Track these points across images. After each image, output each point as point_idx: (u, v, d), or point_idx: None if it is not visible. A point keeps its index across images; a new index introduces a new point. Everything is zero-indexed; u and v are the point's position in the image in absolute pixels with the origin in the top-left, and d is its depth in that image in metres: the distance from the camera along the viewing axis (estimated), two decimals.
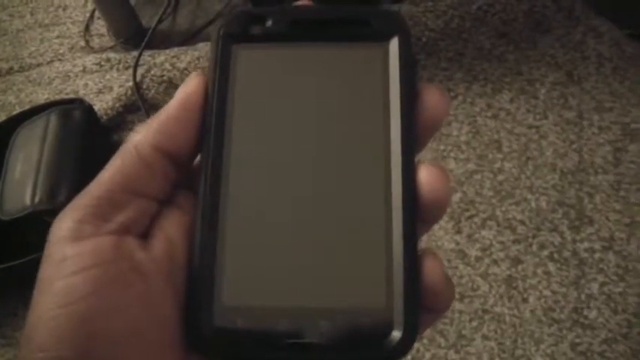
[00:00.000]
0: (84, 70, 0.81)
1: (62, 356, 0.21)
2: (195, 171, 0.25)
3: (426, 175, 0.24)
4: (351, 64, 0.26)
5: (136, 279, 0.22)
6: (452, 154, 0.67)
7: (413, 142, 0.24)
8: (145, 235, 0.24)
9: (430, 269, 0.23)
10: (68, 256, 0.22)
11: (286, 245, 0.24)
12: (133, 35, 0.83)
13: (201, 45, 0.80)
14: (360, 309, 0.23)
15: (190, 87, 0.25)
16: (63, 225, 0.23)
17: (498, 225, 0.62)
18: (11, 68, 0.85)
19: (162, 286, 0.23)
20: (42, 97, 0.80)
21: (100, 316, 0.21)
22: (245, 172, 0.24)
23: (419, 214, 0.24)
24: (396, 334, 0.22)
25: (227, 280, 0.23)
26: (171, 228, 0.24)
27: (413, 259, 0.23)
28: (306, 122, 0.25)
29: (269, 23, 0.26)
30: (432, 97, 0.24)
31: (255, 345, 0.23)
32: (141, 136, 0.24)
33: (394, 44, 0.25)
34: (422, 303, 0.23)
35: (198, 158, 0.25)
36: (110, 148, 0.56)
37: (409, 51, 0.25)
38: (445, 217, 0.63)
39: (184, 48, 0.80)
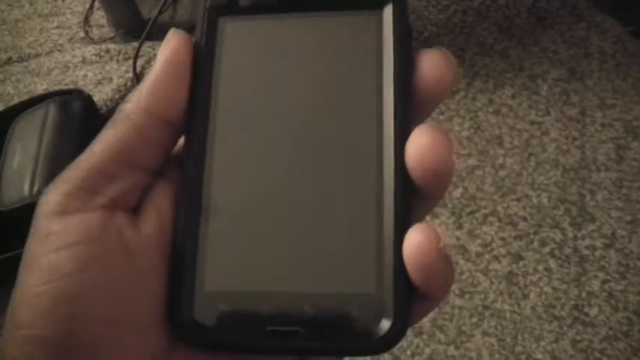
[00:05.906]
0: (83, 61, 0.81)
1: (45, 335, 0.20)
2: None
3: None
4: (343, 34, 0.24)
5: (124, 257, 0.22)
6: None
7: (408, 118, 0.23)
8: (136, 209, 0.23)
9: (418, 245, 0.20)
10: (53, 231, 0.21)
11: (270, 228, 0.23)
12: (133, 26, 0.83)
13: None
14: (346, 295, 0.22)
15: (171, 44, 0.24)
16: (50, 198, 0.22)
17: (499, 221, 0.62)
18: (10, 58, 0.84)
19: (152, 264, 0.22)
20: (40, 87, 0.79)
21: (85, 294, 0.21)
22: (230, 151, 0.24)
23: (413, 191, 0.22)
24: (385, 323, 0.21)
25: (209, 266, 0.23)
26: (163, 202, 0.23)
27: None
28: (294, 98, 0.24)
29: None
30: (431, 62, 0.23)
31: (237, 332, 0.22)
32: (132, 104, 0.23)
33: (388, 12, 0.24)
34: (415, 288, 0.21)
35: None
36: None
37: (404, 20, 0.24)
38: (446, 213, 0.63)
39: None
